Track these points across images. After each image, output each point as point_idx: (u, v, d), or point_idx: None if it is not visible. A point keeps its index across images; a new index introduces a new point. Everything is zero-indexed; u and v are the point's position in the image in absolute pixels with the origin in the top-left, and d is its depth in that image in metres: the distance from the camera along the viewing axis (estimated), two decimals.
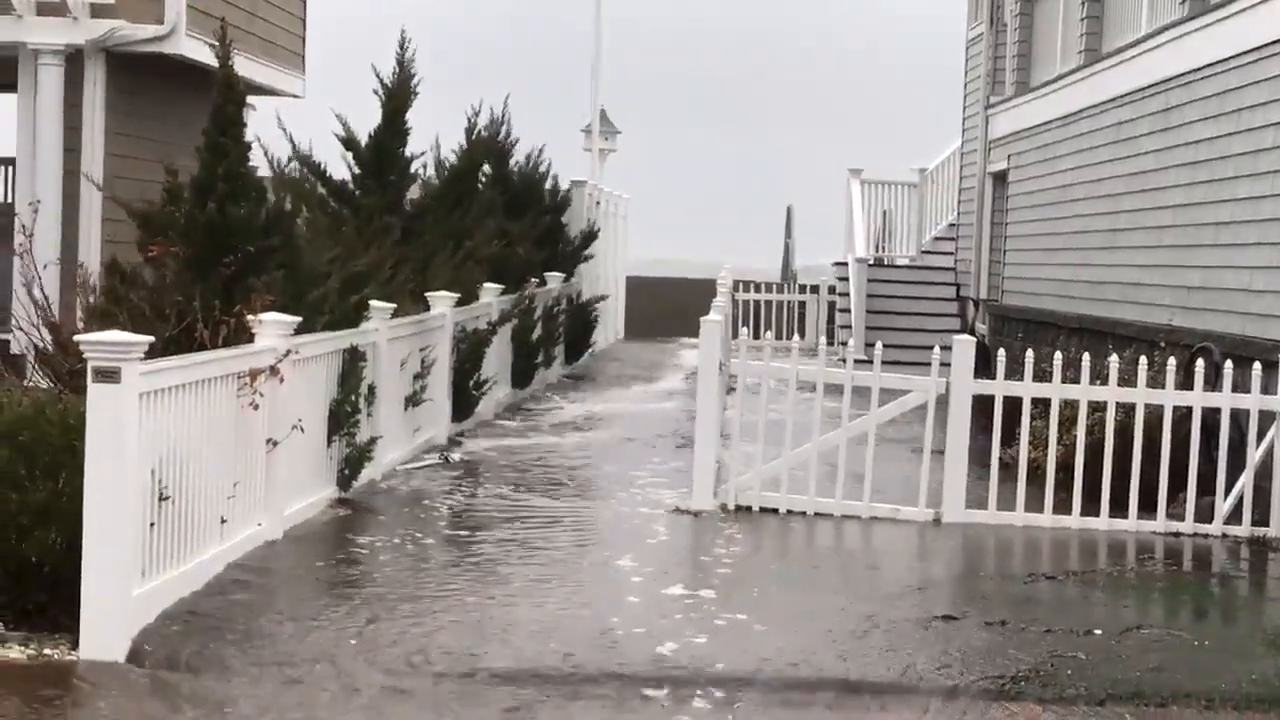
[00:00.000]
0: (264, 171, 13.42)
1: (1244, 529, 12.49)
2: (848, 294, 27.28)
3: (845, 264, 27.92)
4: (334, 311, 12.32)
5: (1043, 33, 21.87)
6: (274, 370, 10.67)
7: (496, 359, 18.68)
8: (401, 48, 16.65)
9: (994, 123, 23.61)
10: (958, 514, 12.80)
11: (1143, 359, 13.09)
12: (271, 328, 10.82)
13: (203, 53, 16.20)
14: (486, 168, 20.56)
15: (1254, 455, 12.60)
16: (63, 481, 8.88)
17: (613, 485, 14.26)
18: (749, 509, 12.96)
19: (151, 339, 8.90)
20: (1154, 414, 12.76)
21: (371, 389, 13.13)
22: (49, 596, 8.85)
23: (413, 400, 14.74)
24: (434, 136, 19.44)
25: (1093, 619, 9.75)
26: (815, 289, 31.27)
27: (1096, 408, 12.98)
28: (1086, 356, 13.04)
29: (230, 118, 11.25)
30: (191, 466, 9.50)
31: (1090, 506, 12.70)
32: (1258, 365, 12.58)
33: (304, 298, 11.59)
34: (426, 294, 15.82)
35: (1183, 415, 12.82)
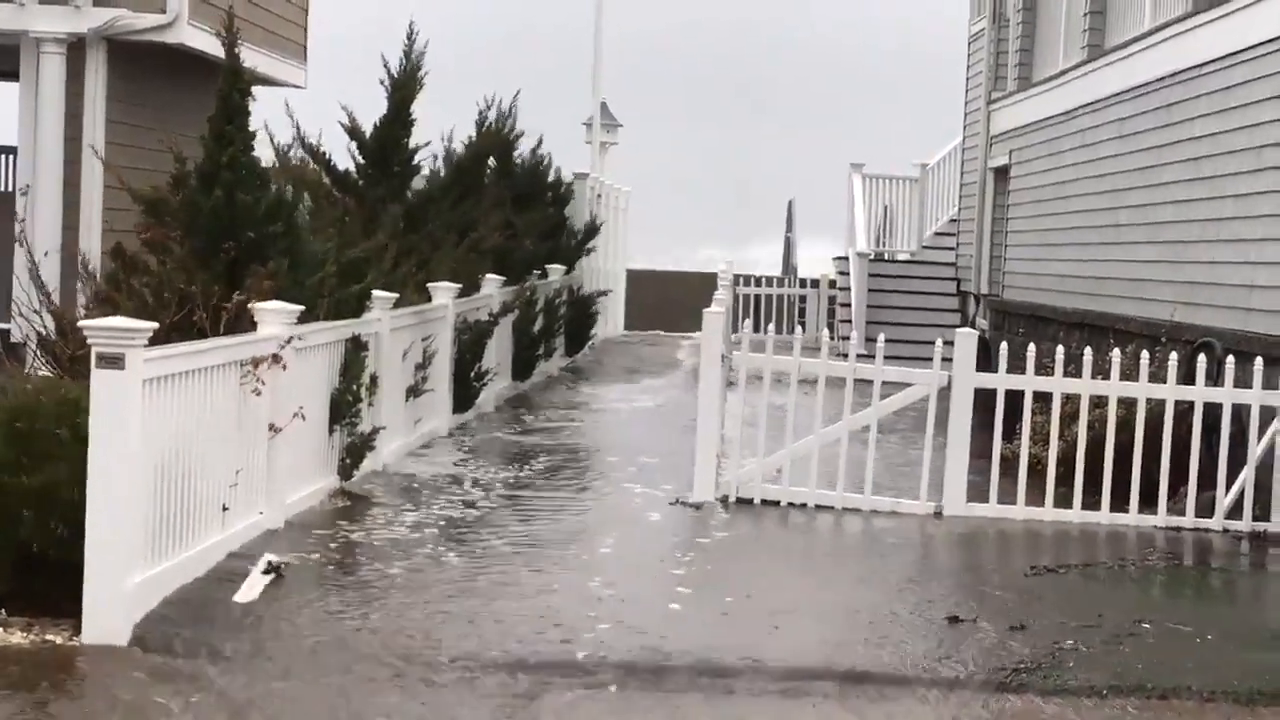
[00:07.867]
0: (267, 160, 13.40)
1: (1245, 524, 12.50)
2: (848, 288, 27.27)
3: (846, 258, 27.92)
4: (333, 295, 12.29)
5: (1045, 28, 21.85)
6: (277, 358, 10.67)
7: (498, 350, 18.68)
8: (409, 39, 16.65)
9: (996, 118, 23.59)
10: (959, 507, 12.80)
11: (1144, 354, 13.09)
12: (274, 315, 10.81)
13: (205, 42, 16.19)
14: (491, 160, 20.55)
15: (1255, 450, 12.61)
16: (62, 469, 8.87)
17: (612, 477, 14.24)
18: (750, 501, 12.95)
19: (155, 325, 8.90)
20: (1155, 409, 12.77)
21: (373, 379, 13.12)
22: (50, 584, 8.83)
23: (414, 391, 14.74)
24: (435, 128, 19.43)
25: (1094, 612, 9.76)
26: (816, 283, 31.26)
27: (1098, 402, 12.98)
28: (1088, 351, 13.04)
29: (236, 106, 11.25)
30: (194, 454, 9.50)
31: (1091, 501, 12.71)
32: (1259, 361, 12.59)
33: (303, 284, 11.57)
34: (429, 284, 15.82)
35: (1184, 410, 12.82)
